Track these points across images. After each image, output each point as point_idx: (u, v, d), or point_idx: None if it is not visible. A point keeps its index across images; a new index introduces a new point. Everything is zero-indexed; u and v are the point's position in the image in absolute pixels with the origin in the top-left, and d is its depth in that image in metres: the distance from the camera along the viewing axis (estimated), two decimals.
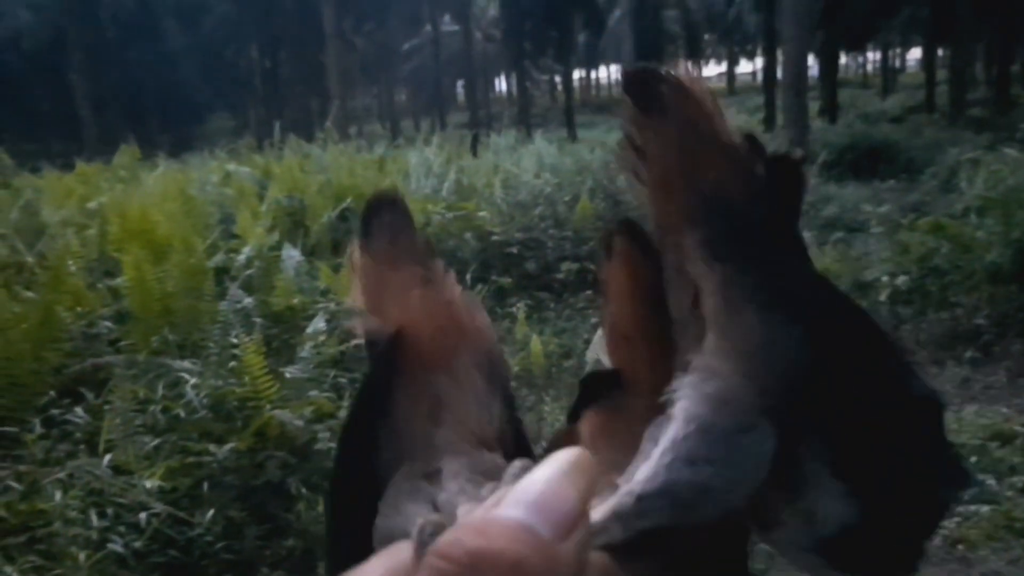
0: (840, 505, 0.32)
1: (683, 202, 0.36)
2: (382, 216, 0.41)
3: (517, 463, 0.30)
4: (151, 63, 26.57)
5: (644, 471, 0.31)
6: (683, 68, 0.37)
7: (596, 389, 0.40)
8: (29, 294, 3.44)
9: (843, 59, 32.05)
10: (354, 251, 0.41)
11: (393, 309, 0.40)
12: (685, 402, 0.32)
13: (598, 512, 0.29)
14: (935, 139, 12.44)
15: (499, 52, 35.92)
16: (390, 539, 0.32)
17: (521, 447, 0.40)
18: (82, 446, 2.80)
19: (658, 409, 0.34)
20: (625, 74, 0.37)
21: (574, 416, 0.40)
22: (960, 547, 2.92)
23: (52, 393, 3.09)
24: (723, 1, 32.43)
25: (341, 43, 24.75)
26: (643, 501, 0.30)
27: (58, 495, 2.44)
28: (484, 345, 0.41)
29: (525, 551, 0.23)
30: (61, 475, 2.53)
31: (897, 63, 38.60)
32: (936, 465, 0.34)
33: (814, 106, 16.06)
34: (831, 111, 17.90)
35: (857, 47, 31.01)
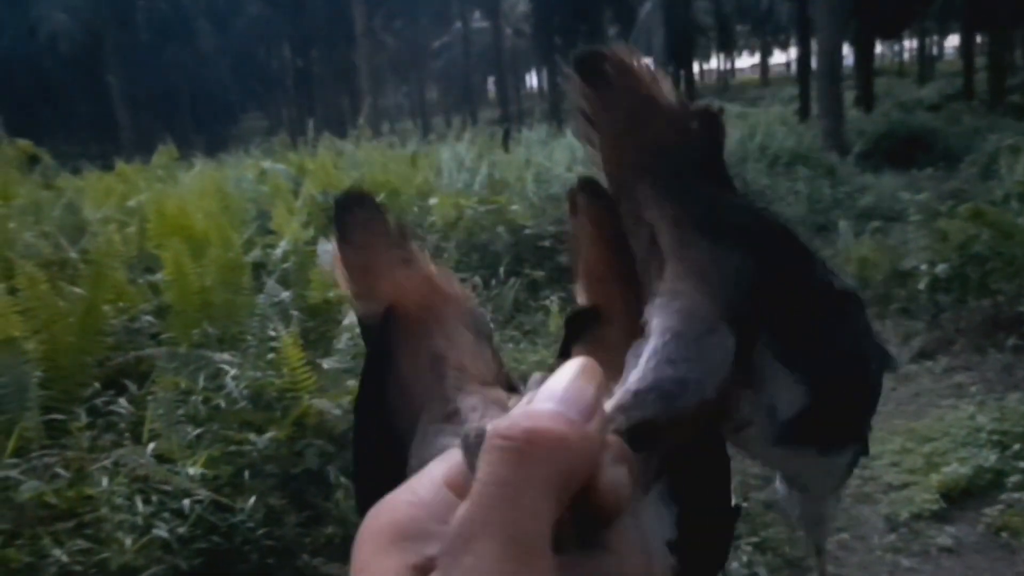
0: (794, 392, 0.38)
1: (631, 158, 0.43)
2: (354, 212, 0.45)
3: (537, 375, 0.35)
4: (185, 64, 26.94)
5: (635, 374, 0.37)
6: (622, 49, 0.42)
7: (579, 326, 0.46)
8: (73, 289, 3.51)
9: (879, 48, 31.54)
10: (334, 248, 0.45)
11: (381, 290, 0.45)
12: (658, 319, 0.39)
13: (604, 407, 0.34)
14: (974, 126, 12.22)
15: (529, 47, 35.87)
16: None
17: (515, 389, 0.44)
18: (127, 435, 2.85)
19: (634, 336, 0.41)
20: (574, 57, 0.43)
21: (564, 353, 0.45)
22: (1004, 535, 2.88)
23: (97, 384, 3.15)
24: None
25: (371, 41, 24.88)
26: (638, 395, 0.36)
27: (104, 482, 2.49)
28: (466, 306, 0.46)
29: (566, 429, 0.29)
30: (107, 463, 2.58)
31: (934, 50, 37.91)
32: (866, 347, 0.41)
33: (849, 95, 15.83)
34: (867, 100, 17.63)
35: (893, 35, 30.53)
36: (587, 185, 0.45)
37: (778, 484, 0.45)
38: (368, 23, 23.58)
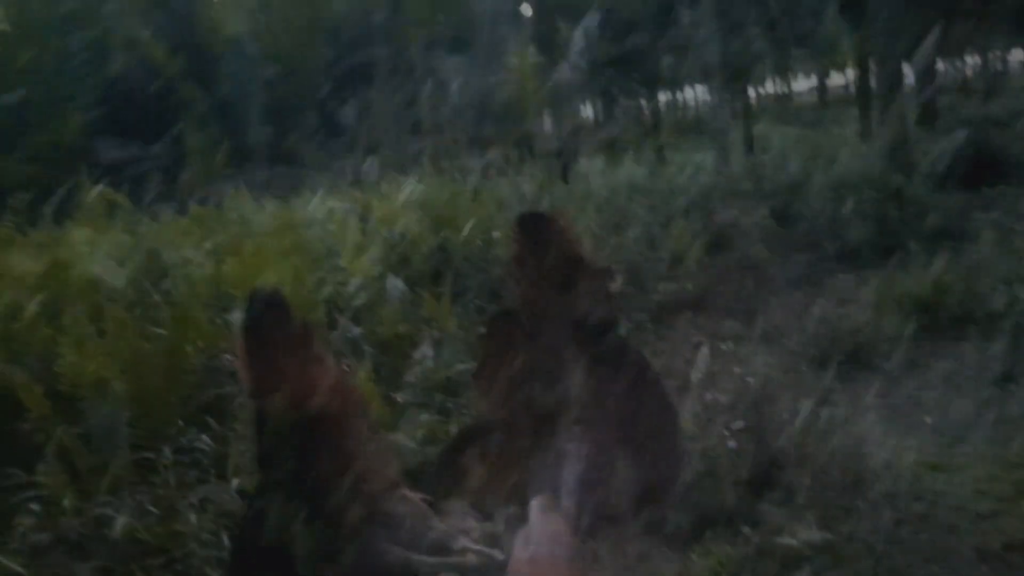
0: None
1: (554, 306, 0.55)
2: (264, 310, 0.53)
3: (509, 510, 0.44)
4: (252, 105, 27.73)
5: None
6: (561, 214, 0.54)
7: (475, 431, 0.55)
8: (157, 331, 3.65)
9: (940, 64, 30.88)
10: (240, 342, 0.51)
11: (296, 388, 0.51)
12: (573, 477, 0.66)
13: None
14: None
15: (583, 78, 36.08)
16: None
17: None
18: (211, 471, 2.94)
19: (521, 453, 0.60)
20: (518, 217, 0.55)
21: (457, 450, 0.54)
22: None
23: (180, 422, 3.26)
24: (809, 16, 31.76)
25: (431, 81, 25.29)
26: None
27: (192, 518, 2.57)
28: (363, 403, 0.52)
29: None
30: (194, 500, 2.67)
31: (999, 65, 36.98)
32: None
33: (911, 114, 15.49)
34: (930, 118, 17.24)
35: (954, 53, 29.85)
36: (509, 315, 0.55)
37: None
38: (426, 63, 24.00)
